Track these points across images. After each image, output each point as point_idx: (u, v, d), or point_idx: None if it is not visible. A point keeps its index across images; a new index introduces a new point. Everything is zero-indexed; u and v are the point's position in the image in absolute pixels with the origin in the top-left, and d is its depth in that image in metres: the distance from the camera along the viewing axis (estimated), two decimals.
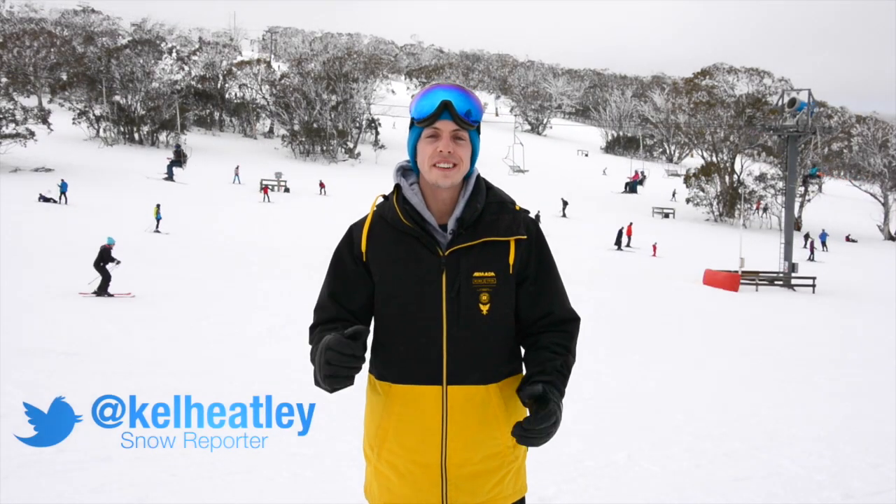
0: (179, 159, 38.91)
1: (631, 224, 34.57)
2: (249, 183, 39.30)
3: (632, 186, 47.90)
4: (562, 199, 41.28)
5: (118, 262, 13.55)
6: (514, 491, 2.03)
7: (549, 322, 2.01)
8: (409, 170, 2.03)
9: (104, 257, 13.57)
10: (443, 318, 1.92)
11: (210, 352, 9.84)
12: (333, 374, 1.71)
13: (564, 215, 40.01)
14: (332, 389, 1.74)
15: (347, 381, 1.73)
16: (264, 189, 36.56)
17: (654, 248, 31.51)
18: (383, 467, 1.99)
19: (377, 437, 2.00)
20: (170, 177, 37.23)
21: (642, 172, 47.95)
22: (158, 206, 24.47)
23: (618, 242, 32.29)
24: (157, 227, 23.85)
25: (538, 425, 1.77)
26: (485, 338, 1.94)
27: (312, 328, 2.01)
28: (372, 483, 2.05)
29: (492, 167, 50.37)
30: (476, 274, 1.92)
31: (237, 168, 41.38)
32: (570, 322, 2.03)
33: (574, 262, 22.56)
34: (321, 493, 4.58)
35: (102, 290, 13.35)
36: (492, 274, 1.93)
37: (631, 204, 46.93)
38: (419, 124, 1.92)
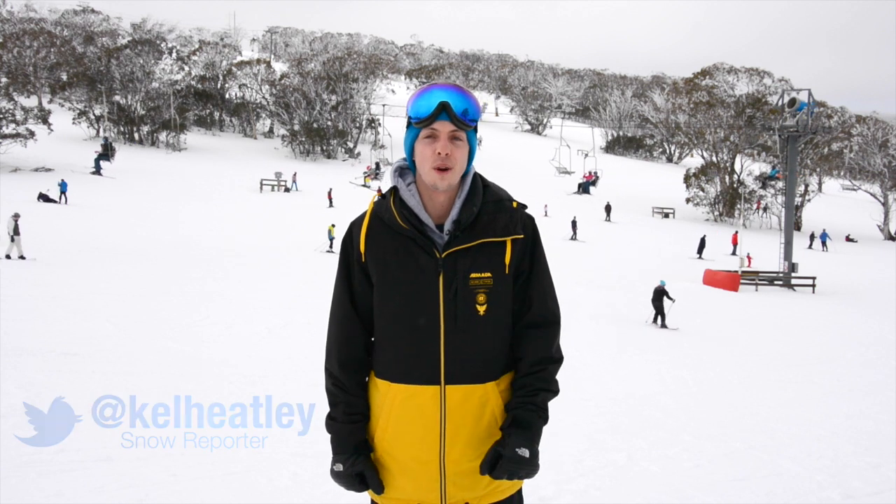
0: (107, 152, 37.79)
1: (737, 232, 33.75)
2: (250, 183, 39.29)
3: (584, 187, 47.54)
4: (606, 203, 41.39)
5: (673, 301, 16.12)
6: (511, 483, 2.03)
7: (527, 322, 2.01)
8: (406, 170, 2.03)
9: (660, 296, 16.07)
10: (440, 319, 1.92)
11: (210, 352, 9.84)
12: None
13: (609, 220, 39.99)
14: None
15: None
16: (328, 195, 36.23)
17: (749, 258, 29.89)
18: (383, 463, 2.01)
19: (376, 435, 2.02)
20: (97, 170, 36.27)
21: (595, 173, 47.62)
22: (333, 226, 24.79)
23: (700, 251, 30.90)
24: (331, 246, 24.44)
25: (497, 477, 1.92)
26: (482, 338, 1.95)
27: (329, 372, 2.05)
28: None
29: (539, 169, 51.30)
30: (473, 275, 1.92)
31: (294, 175, 40.67)
32: (548, 325, 2.01)
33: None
34: (321, 493, 4.58)
35: (663, 325, 15.88)
36: (488, 275, 1.93)
37: (636, 205, 46.91)
38: (416, 125, 1.92)
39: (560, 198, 44.48)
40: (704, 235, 31.60)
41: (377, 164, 42.72)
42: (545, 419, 1.97)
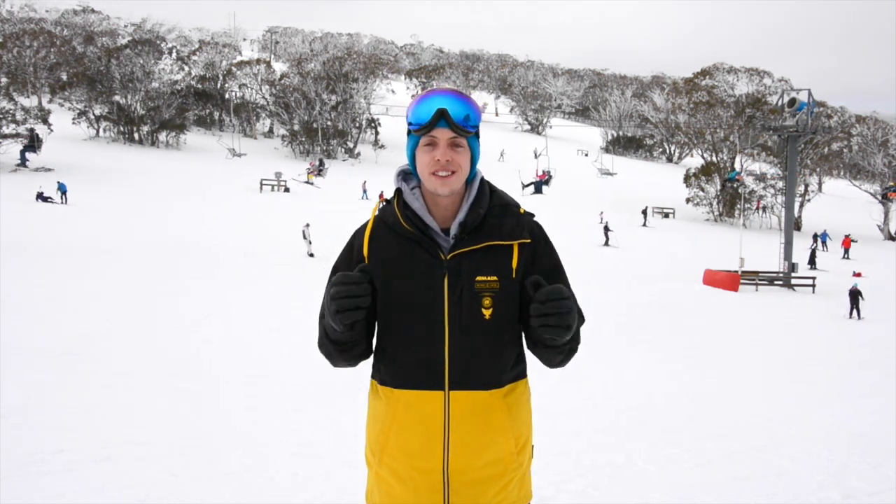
0: (33, 144, 36.47)
1: (849, 236, 33.36)
2: (250, 183, 39.25)
3: (537, 187, 47.49)
4: (643, 209, 41.62)
5: (864, 299, 19.75)
6: (518, 498, 2.00)
7: None
8: (409, 173, 2.01)
9: (855, 296, 19.60)
10: (445, 322, 1.90)
11: (210, 351, 9.84)
12: (341, 308, 1.75)
13: (645, 225, 40.08)
14: (342, 328, 1.80)
15: (356, 313, 1.76)
16: (380, 196, 36.36)
17: (858, 274, 28.17)
18: (385, 473, 1.97)
19: (378, 443, 1.98)
20: (23, 162, 35.55)
21: (549, 172, 47.64)
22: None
23: (811, 261, 30.52)
24: (608, 241, 30.10)
25: (552, 297, 1.70)
26: (487, 342, 1.92)
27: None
28: (373, 489, 2.03)
29: (582, 169, 52.53)
30: (478, 278, 1.90)
31: (364, 183, 40.06)
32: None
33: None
34: (321, 493, 4.58)
35: (860, 318, 19.35)
36: (494, 278, 1.91)
37: (636, 205, 46.88)
38: (416, 133, 1.90)
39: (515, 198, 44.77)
40: (814, 246, 31.46)
41: (320, 161, 42.55)
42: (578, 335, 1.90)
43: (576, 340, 1.92)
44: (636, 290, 20.75)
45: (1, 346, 8.52)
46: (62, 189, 28.35)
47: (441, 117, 1.84)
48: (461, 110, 1.87)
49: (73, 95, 50.10)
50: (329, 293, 1.78)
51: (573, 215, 37.80)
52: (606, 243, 31.45)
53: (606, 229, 32.10)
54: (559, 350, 1.89)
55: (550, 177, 46.22)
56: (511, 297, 1.94)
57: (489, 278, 1.90)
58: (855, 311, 19.76)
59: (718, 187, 47.55)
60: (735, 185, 45.61)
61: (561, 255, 2.05)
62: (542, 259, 1.98)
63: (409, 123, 1.92)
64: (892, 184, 49.18)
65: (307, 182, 40.05)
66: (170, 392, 7.36)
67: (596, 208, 39.71)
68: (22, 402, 6.34)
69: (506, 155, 60.33)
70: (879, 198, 49.86)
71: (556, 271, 2.00)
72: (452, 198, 1.94)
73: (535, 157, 48.24)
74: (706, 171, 50.17)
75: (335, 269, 2.00)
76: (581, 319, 1.96)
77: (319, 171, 41.16)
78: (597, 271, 23.24)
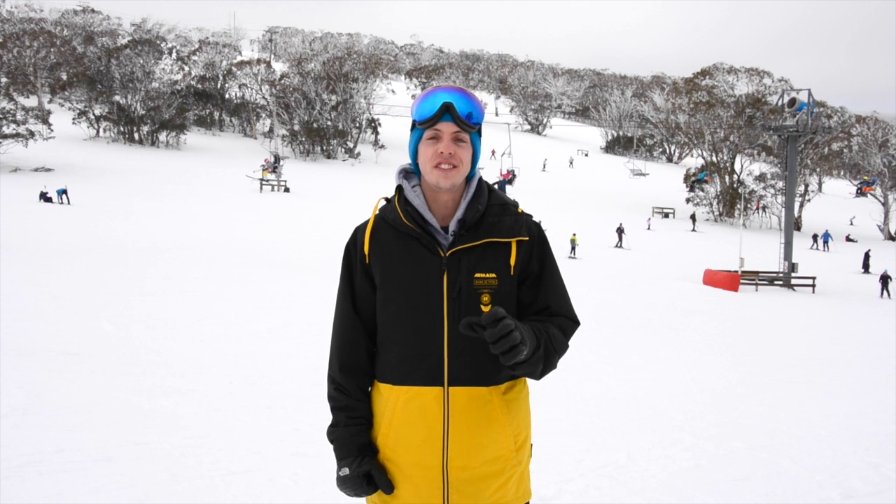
0: None
1: None
2: (250, 183, 39.23)
3: (501, 186, 47.31)
4: (691, 214, 41.73)
5: (892, 279, 21.82)
6: (517, 496, 2.01)
7: (546, 315, 1.98)
8: (411, 172, 2.03)
9: (885, 280, 22.10)
10: (444, 318, 1.92)
11: (210, 351, 9.83)
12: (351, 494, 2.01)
13: (694, 230, 40.09)
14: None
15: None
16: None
17: None
18: (386, 467, 1.99)
19: (378, 439, 2.00)
20: None
21: (513, 171, 47.42)
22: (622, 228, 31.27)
23: (865, 266, 31.12)
24: (620, 243, 31.25)
25: (488, 322, 1.66)
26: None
27: (331, 378, 2.05)
28: None
29: (616, 170, 53.20)
30: (477, 275, 1.92)
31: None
32: (566, 319, 2.00)
33: None
34: (321, 493, 4.57)
35: (888, 297, 20.99)
36: (493, 275, 1.92)
37: (636, 205, 46.88)
38: (420, 126, 1.93)
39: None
40: (869, 249, 31.55)
41: (276, 157, 42.52)
42: (549, 346, 1.85)
43: (548, 354, 1.86)
44: (638, 290, 20.75)
45: (1, 346, 8.52)
46: (60, 193, 28.43)
47: (446, 111, 1.88)
48: (465, 106, 1.91)
49: (74, 95, 50.18)
50: (342, 482, 1.98)
51: (581, 216, 37.81)
52: (619, 245, 31.50)
53: (620, 231, 32.13)
54: (525, 369, 1.82)
55: (514, 176, 46.00)
56: (509, 294, 1.96)
57: (488, 275, 1.92)
58: (885, 293, 23.00)
59: (687, 188, 47.85)
60: (735, 185, 45.68)
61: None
62: (539, 258, 2.00)
63: (414, 118, 1.95)
64: (865, 178, 49.48)
65: (261, 179, 39.96)
66: (170, 392, 7.35)
67: (600, 208, 39.79)
68: (22, 402, 6.33)
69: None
70: (855, 192, 50.07)
71: (551, 271, 2.02)
72: (452, 195, 1.96)
73: (501, 156, 47.88)
74: (706, 171, 50.24)
75: (346, 272, 2.04)
76: (574, 324, 2.00)
77: (274, 167, 41.25)
78: (601, 271, 23.25)
